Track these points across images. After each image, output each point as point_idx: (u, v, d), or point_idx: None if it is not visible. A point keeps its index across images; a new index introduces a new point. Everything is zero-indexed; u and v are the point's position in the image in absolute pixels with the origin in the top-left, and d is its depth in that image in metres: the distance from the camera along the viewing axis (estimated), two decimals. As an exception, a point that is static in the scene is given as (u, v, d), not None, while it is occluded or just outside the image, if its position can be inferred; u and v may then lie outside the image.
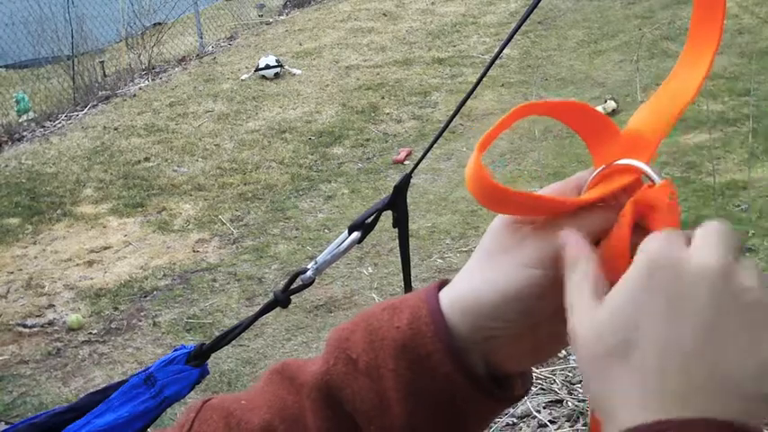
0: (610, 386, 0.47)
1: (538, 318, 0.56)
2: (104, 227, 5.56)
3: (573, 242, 0.53)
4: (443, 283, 0.60)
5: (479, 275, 0.57)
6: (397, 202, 0.91)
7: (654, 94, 0.59)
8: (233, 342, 0.97)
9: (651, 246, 0.48)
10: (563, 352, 3.47)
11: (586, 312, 0.49)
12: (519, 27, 0.76)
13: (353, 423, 0.60)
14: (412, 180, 0.93)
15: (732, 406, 0.44)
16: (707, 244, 0.48)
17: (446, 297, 0.59)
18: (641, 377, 0.46)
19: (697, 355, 0.45)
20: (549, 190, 0.58)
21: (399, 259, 0.93)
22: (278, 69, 8.24)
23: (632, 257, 0.50)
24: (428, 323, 0.57)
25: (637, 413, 0.45)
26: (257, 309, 0.92)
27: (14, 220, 5.68)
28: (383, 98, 7.56)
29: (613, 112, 6.34)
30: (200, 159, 6.54)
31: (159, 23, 9.94)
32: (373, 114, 7.23)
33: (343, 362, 0.60)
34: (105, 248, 5.26)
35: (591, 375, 0.48)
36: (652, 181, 0.54)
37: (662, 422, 0.44)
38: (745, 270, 0.47)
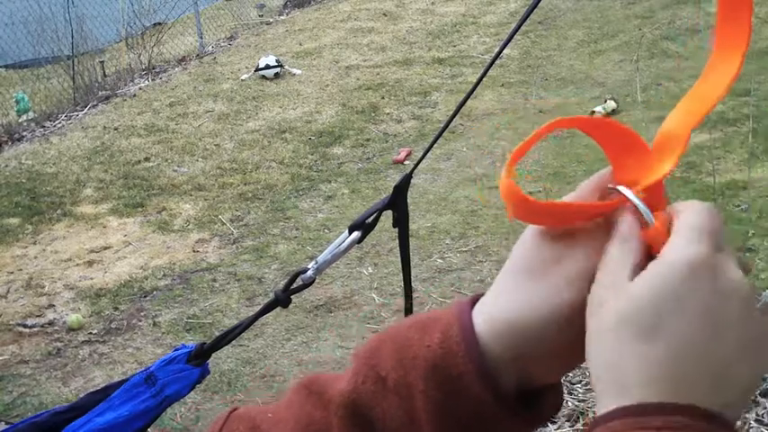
0: (624, 360, 0.48)
1: (575, 335, 0.55)
2: (104, 227, 5.56)
3: (629, 221, 0.54)
4: (476, 299, 0.59)
5: (516, 295, 0.56)
6: (398, 202, 0.92)
7: (684, 96, 0.60)
8: (233, 342, 0.97)
9: (692, 247, 0.49)
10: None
11: (623, 285, 0.50)
12: (519, 27, 0.76)
13: None
14: (412, 180, 0.93)
15: (727, 400, 0.47)
16: (735, 261, 0.50)
17: (480, 316, 0.57)
18: (658, 362, 0.47)
19: (715, 359, 0.47)
20: (571, 198, 0.58)
21: (399, 259, 0.93)
22: (278, 69, 8.24)
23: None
24: (459, 342, 0.56)
25: (643, 391, 0.47)
26: (257, 309, 0.92)
27: (14, 220, 5.68)
28: (383, 98, 7.56)
29: (613, 112, 6.34)
30: (200, 159, 6.54)
31: (159, 23, 9.94)
32: (373, 114, 7.23)
33: (372, 380, 0.59)
34: (105, 248, 5.27)
35: (606, 344, 0.50)
36: (644, 216, 0.55)
37: (666, 404, 0.46)
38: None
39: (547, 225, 0.57)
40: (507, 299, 0.57)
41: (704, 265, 0.48)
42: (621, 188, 0.56)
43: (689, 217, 0.52)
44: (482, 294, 0.60)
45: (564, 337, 0.55)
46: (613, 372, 0.49)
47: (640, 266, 0.51)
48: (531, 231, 0.58)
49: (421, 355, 0.57)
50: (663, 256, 0.50)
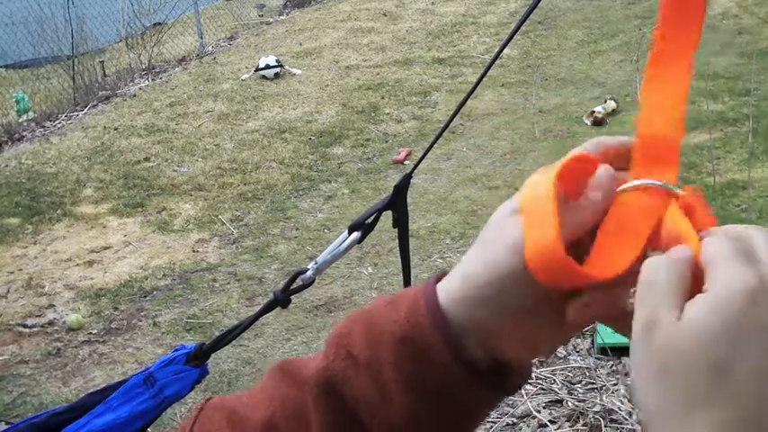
0: (690, 399, 0.46)
1: (532, 304, 0.55)
2: (104, 227, 5.56)
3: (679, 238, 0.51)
4: (442, 276, 0.60)
5: (474, 258, 0.57)
6: (397, 202, 0.92)
7: (643, 95, 0.58)
8: (233, 342, 0.97)
9: (740, 269, 0.47)
10: (563, 352, 3.47)
11: (674, 317, 0.47)
12: (519, 27, 0.76)
13: (356, 417, 0.60)
14: (412, 180, 0.93)
15: None
16: None
17: (443, 288, 0.59)
18: (736, 400, 0.45)
19: None
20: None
21: (399, 259, 0.93)
22: (278, 69, 8.24)
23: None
24: (424, 314, 0.57)
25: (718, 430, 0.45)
26: (257, 309, 0.92)
27: (14, 220, 5.68)
28: (383, 98, 7.56)
29: (613, 112, 6.34)
30: (200, 159, 6.54)
31: (159, 23, 9.93)
32: (373, 114, 7.22)
33: (343, 357, 0.60)
34: (105, 248, 5.26)
35: (665, 383, 0.47)
36: (675, 196, 0.54)
37: None
38: None
39: (565, 289, 0.54)
40: (466, 264, 0.58)
41: (762, 290, 0.46)
42: (646, 181, 0.54)
43: (727, 239, 0.50)
44: (447, 272, 0.61)
45: (519, 303, 0.55)
46: (669, 411, 0.46)
47: (689, 295, 0.48)
48: (499, 213, 0.57)
49: (389, 330, 0.58)
50: (715, 284, 0.47)
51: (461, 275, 0.58)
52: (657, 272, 0.49)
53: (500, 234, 0.56)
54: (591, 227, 0.55)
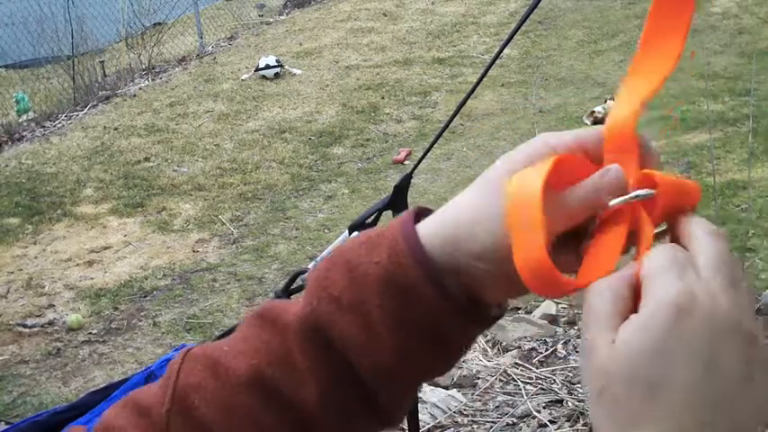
0: (626, 419, 0.47)
1: (507, 249, 0.56)
2: (104, 227, 5.56)
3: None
4: (418, 212, 0.61)
5: (460, 200, 0.59)
6: (398, 202, 0.92)
7: (623, 87, 0.59)
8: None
9: (669, 287, 0.47)
10: (563, 352, 3.47)
11: (608, 340, 0.48)
12: (519, 27, 0.76)
13: (345, 359, 0.60)
14: (412, 180, 0.93)
15: None
16: (733, 294, 0.48)
17: (427, 227, 0.59)
18: (670, 416, 0.46)
19: (725, 405, 0.46)
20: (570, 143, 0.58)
21: (400, 259, 0.93)
22: (278, 69, 8.24)
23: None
24: (406, 254, 0.58)
25: None
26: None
27: (14, 220, 5.68)
28: (383, 98, 7.56)
29: (613, 112, 6.33)
30: (200, 159, 6.54)
31: (159, 23, 9.93)
32: (373, 114, 7.23)
33: (326, 301, 0.60)
34: (105, 248, 5.27)
35: (605, 406, 0.48)
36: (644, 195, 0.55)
37: None
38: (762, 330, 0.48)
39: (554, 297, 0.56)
40: (451, 205, 0.59)
41: (689, 304, 0.47)
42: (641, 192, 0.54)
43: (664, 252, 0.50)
44: (424, 208, 0.62)
45: (497, 242, 0.56)
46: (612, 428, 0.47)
47: (629, 313, 0.49)
48: (498, 167, 0.59)
49: (371, 272, 0.59)
50: (647, 300, 0.48)
51: (439, 213, 0.59)
52: (595, 295, 0.51)
53: (487, 196, 0.58)
54: (582, 219, 0.56)
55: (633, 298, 0.49)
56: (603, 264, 0.54)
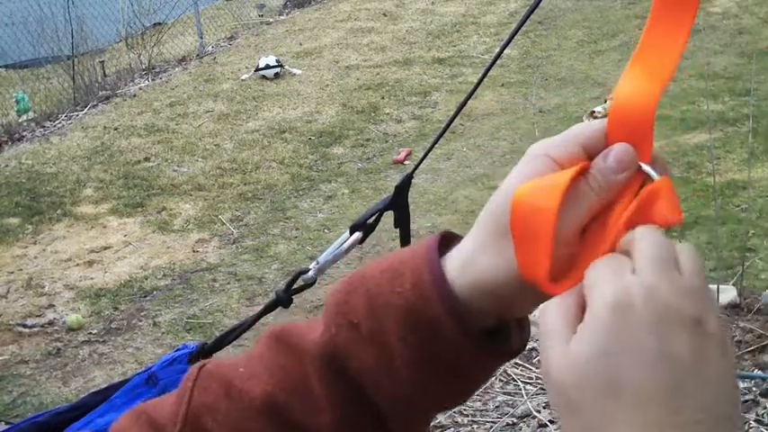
0: (598, 425, 0.47)
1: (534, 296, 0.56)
2: (104, 227, 5.56)
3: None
4: (442, 240, 0.60)
5: (493, 256, 0.56)
6: (398, 202, 0.92)
7: (629, 67, 0.57)
8: (234, 342, 0.97)
9: (606, 289, 0.48)
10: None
11: (560, 354, 0.49)
12: (519, 27, 0.76)
13: (361, 389, 0.60)
14: (412, 180, 0.93)
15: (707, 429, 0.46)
16: (671, 280, 0.48)
17: (454, 266, 0.58)
18: (634, 413, 0.46)
19: (685, 391, 0.45)
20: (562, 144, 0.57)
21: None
22: (278, 69, 8.24)
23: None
24: (431, 287, 0.57)
25: None
26: (257, 309, 0.92)
27: (14, 220, 5.68)
28: (383, 98, 7.56)
29: (613, 112, 6.33)
30: (200, 159, 6.54)
31: (159, 23, 9.93)
32: (373, 114, 7.23)
33: (345, 329, 0.60)
34: (105, 248, 5.27)
35: (570, 420, 0.48)
36: (651, 178, 0.54)
37: None
38: (712, 307, 0.48)
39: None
40: (485, 257, 0.57)
41: (627, 302, 0.47)
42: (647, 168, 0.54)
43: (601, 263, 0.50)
44: (448, 234, 0.61)
45: (525, 297, 0.56)
46: None
47: (574, 322, 0.49)
48: (510, 194, 0.56)
49: (393, 302, 0.58)
50: (589, 308, 0.48)
51: (485, 268, 0.57)
52: (546, 314, 0.51)
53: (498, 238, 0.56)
54: (598, 208, 0.55)
55: (583, 310, 0.49)
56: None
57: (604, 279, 0.49)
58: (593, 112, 6.28)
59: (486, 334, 0.58)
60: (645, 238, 0.50)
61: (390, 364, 0.58)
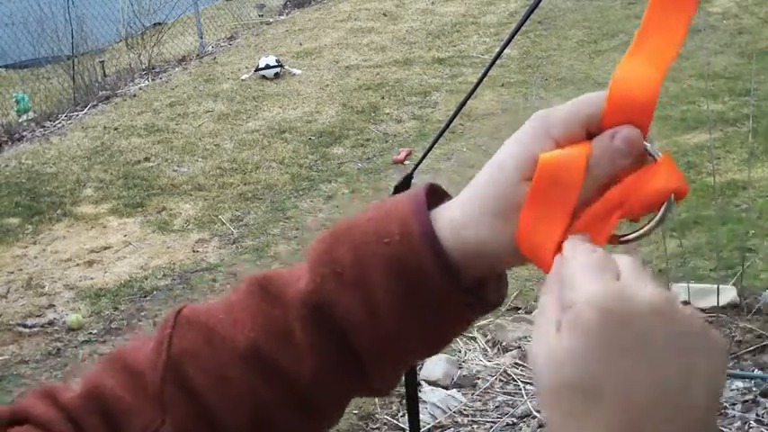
0: (575, 422, 0.46)
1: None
2: (104, 227, 5.56)
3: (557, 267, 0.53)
4: (429, 191, 0.60)
5: (489, 229, 0.57)
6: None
7: (628, 54, 0.58)
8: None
9: (586, 289, 0.48)
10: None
11: (546, 342, 0.49)
12: (519, 27, 0.76)
13: (344, 336, 0.60)
14: (412, 180, 0.93)
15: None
16: (637, 279, 0.48)
17: (444, 229, 0.58)
18: (610, 417, 0.45)
19: (664, 394, 0.45)
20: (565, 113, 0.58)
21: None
22: (278, 69, 8.24)
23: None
24: (419, 238, 0.58)
25: None
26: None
27: (14, 220, 5.68)
28: (383, 98, 7.56)
29: (613, 112, 6.32)
30: (200, 159, 6.54)
31: (159, 23, 9.93)
32: (373, 114, 7.23)
33: (330, 278, 0.60)
34: (105, 248, 5.27)
35: (550, 405, 0.48)
36: (653, 157, 0.54)
37: None
38: (676, 297, 0.48)
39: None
40: (477, 224, 0.58)
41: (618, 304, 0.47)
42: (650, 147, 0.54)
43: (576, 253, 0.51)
44: (435, 187, 0.61)
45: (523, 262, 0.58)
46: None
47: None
48: (511, 170, 0.57)
49: (380, 252, 0.58)
50: (574, 301, 0.48)
51: (473, 235, 0.58)
52: (540, 308, 0.51)
53: (514, 209, 0.56)
54: (603, 182, 0.55)
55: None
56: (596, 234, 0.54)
57: (589, 274, 0.49)
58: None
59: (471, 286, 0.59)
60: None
61: (374, 310, 0.59)
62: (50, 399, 0.64)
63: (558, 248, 0.53)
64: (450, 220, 0.59)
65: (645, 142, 0.54)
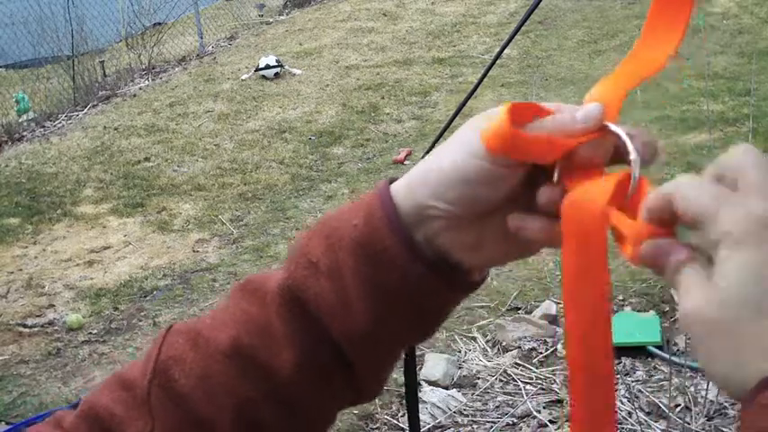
0: (741, 345, 0.45)
1: (477, 207, 0.57)
2: (104, 227, 5.56)
3: (676, 251, 0.51)
4: (395, 178, 0.62)
5: (429, 159, 0.59)
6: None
7: (617, 68, 0.59)
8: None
9: (738, 211, 0.47)
10: (563, 352, 3.47)
11: (708, 296, 0.47)
12: (519, 27, 0.76)
13: (319, 324, 0.60)
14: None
15: None
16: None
17: (397, 185, 0.60)
18: None
19: None
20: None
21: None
22: (278, 69, 8.24)
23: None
24: (381, 217, 0.58)
25: None
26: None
27: (14, 220, 5.68)
28: (383, 98, 7.56)
29: (613, 112, 6.32)
30: (200, 159, 6.54)
31: (159, 23, 9.93)
32: (373, 114, 7.23)
33: (303, 266, 0.61)
34: (105, 248, 5.27)
35: (718, 346, 0.47)
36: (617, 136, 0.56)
37: None
38: None
39: (521, 158, 0.57)
40: (420, 163, 0.60)
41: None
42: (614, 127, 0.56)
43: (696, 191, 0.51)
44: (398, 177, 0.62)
45: (465, 205, 0.57)
46: (730, 362, 0.46)
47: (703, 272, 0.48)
48: (472, 131, 0.59)
49: (347, 235, 0.59)
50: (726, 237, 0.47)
51: (415, 170, 0.60)
52: (680, 274, 0.50)
53: (459, 142, 0.59)
54: (552, 153, 0.57)
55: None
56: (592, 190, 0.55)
57: (722, 208, 0.48)
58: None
59: (444, 266, 0.59)
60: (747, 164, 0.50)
61: (346, 297, 0.59)
62: (55, 423, 0.66)
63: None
64: (407, 185, 0.60)
65: (608, 123, 0.56)
